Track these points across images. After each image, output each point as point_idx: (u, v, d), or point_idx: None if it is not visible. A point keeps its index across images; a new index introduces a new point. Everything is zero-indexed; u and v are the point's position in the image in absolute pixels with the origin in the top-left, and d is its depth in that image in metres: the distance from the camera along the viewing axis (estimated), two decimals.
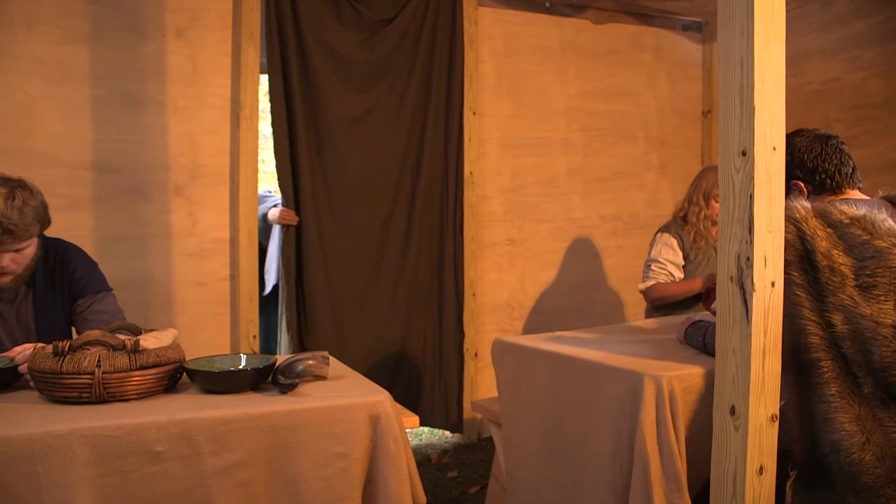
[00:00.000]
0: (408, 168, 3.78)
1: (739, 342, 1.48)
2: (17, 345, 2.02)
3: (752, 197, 1.44)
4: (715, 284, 2.29)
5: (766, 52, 1.42)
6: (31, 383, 1.75)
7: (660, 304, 3.22)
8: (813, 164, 2.02)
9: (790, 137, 2.05)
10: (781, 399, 1.50)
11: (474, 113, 3.93)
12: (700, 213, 3.24)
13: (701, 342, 2.12)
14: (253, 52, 3.41)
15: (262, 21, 3.44)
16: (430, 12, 3.78)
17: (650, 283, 3.22)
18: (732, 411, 1.49)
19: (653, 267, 3.23)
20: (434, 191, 3.84)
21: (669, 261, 3.20)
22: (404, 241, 3.78)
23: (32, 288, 2.14)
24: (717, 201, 3.21)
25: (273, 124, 3.49)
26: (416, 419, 1.89)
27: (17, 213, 1.95)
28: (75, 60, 3.13)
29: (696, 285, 3.10)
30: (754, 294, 1.45)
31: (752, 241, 1.45)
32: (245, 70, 3.40)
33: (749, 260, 1.45)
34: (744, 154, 1.45)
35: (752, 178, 1.43)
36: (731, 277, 1.49)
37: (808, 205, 1.62)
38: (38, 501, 1.44)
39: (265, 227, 3.68)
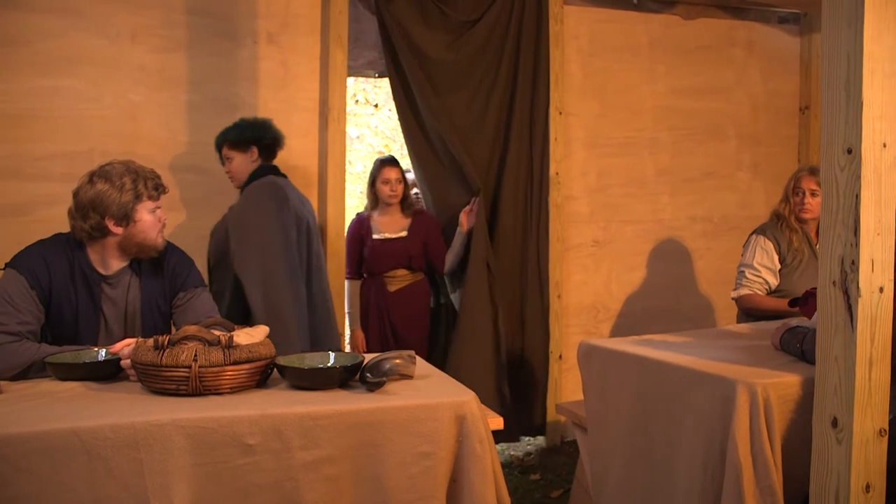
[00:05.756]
0: (492, 169, 3.77)
1: (842, 350, 1.41)
2: (122, 330, 2.16)
3: (857, 197, 1.36)
4: (814, 288, 2.19)
5: (877, 44, 1.34)
6: (133, 378, 1.85)
7: (752, 314, 3.10)
8: None
9: None
10: (890, 413, 1.41)
11: (560, 113, 3.88)
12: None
13: (798, 349, 2.02)
14: (340, 56, 3.47)
15: (351, 25, 3.50)
16: (515, 12, 3.75)
17: (743, 291, 3.11)
18: (834, 423, 1.42)
19: (747, 274, 3.10)
20: (519, 191, 3.81)
21: (765, 266, 3.07)
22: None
23: (139, 277, 2.25)
24: (812, 196, 3.06)
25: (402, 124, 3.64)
26: (500, 420, 1.88)
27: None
28: (174, 68, 3.27)
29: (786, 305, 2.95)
30: (860, 300, 1.37)
31: (857, 244, 1.37)
32: (333, 73, 3.46)
33: (854, 264, 1.38)
34: (849, 152, 1.37)
35: (859, 177, 1.36)
36: (834, 282, 1.42)
37: None
38: (141, 485, 1.52)
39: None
